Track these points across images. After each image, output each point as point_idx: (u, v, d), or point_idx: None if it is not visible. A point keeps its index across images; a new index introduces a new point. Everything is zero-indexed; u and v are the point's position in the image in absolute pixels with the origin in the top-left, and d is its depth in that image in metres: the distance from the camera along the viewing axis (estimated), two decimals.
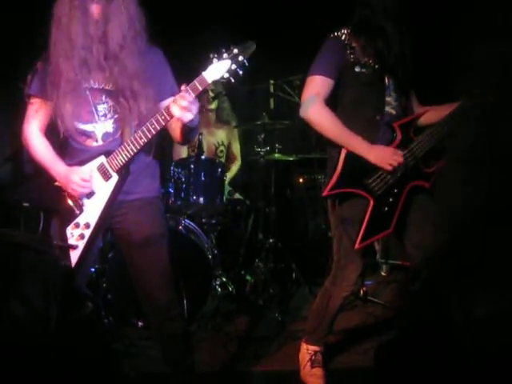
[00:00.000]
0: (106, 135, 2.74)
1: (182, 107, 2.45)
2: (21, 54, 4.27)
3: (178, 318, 2.91)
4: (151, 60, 2.74)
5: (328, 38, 3.03)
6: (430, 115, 3.15)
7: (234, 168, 5.66)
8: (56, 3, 2.60)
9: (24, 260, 2.09)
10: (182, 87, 2.46)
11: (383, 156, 2.92)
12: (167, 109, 2.53)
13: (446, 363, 2.22)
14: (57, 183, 2.75)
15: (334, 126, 2.94)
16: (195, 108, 2.50)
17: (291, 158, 5.27)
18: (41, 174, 2.81)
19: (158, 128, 2.58)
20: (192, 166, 4.50)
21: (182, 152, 5.34)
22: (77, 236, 2.69)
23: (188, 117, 2.49)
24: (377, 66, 2.97)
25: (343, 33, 2.99)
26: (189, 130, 2.70)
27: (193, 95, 2.45)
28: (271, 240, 4.95)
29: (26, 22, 3.95)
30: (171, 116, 2.53)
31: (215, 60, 2.42)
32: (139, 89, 2.65)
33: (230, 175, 5.46)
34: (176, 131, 2.79)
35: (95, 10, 2.58)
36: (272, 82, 5.05)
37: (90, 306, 2.65)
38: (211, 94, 5.16)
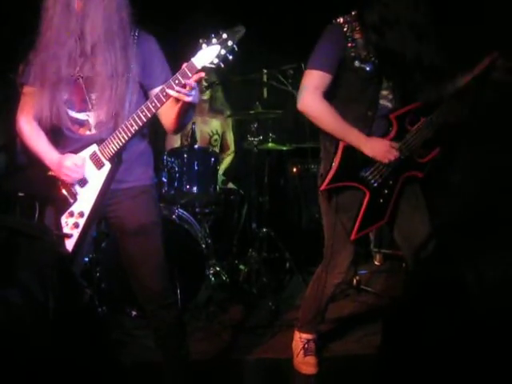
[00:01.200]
0: (99, 124, 2.72)
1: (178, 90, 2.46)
2: (11, 44, 4.25)
3: (173, 307, 2.92)
4: (142, 47, 2.72)
5: (329, 26, 2.98)
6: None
7: (228, 158, 5.65)
8: None
9: (20, 246, 2.09)
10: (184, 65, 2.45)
11: (379, 149, 2.92)
12: (157, 95, 2.52)
13: (457, 326, 2.23)
14: (50, 172, 2.74)
15: (332, 119, 2.93)
16: (195, 89, 2.50)
17: (284, 148, 5.27)
18: (34, 163, 2.80)
19: (149, 115, 2.57)
20: (185, 156, 4.49)
21: (175, 141, 5.33)
22: (71, 225, 2.69)
23: (188, 97, 2.50)
24: (377, 61, 2.92)
25: (345, 20, 2.94)
26: (185, 112, 2.68)
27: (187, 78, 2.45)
28: (265, 229, 4.96)
29: (17, 12, 3.93)
30: (161, 101, 2.52)
31: (204, 45, 2.41)
32: (120, 89, 2.65)
33: (223, 165, 5.46)
34: (169, 118, 2.76)
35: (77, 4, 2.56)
36: (265, 71, 5.03)
37: (87, 293, 2.66)
38: (204, 84, 5.13)
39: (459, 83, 3.03)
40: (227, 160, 5.63)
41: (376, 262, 5.67)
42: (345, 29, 2.92)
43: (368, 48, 2.91)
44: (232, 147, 5.71)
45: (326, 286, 3.21)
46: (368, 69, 2.94)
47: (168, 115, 2.76)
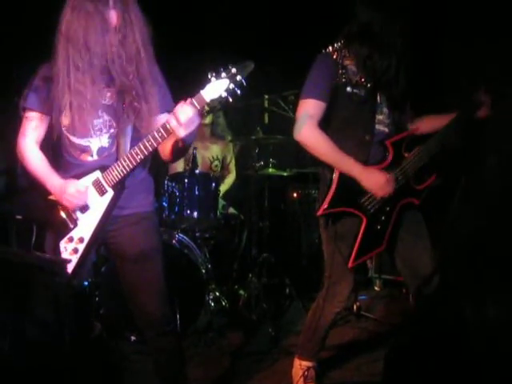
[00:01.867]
0: (101, 150, 2.73)
1: (180, 122, 2.45)
2: (14, 67, 4.29)
3: (172, 334, 2.91)
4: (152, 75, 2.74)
5: (319, 56, 3.02)
6: (426, 125, 3.19)
7: (228, 180, 5.66)
8: (64, 13, 2.59)
9: (37, 281, 2.09)
10: (183, 101, 2.46)
11: (376, 181, 2.92)
12: (164, 125, 2.52)
13: (459, 364, 2.21)
14: (51, 197, 2.74)
15: (327, 148, 2.94)
16: (196, 122, 2.50)
17: (285, 173, 5.28)
18: (35, 187, 2.80)
19: (155, 145, 2.58)
20: (186, 181, 4.50)
21: (179, 166, 5.34)
22: (70, 250, 2.68)
23: (183, 132, 2.49)
24: (369, 85, 2.97)
25: (335, 49, 2.98)
26: (181, 147, 2.68)
27: (195, 109, 2.45)
28: (265, 254, 4.95)
29: (20, 34, 3.97)
30: (168, 132, 2.52)
31: (213, 79, 2.42)
32: (143, 101, 2.67)
33: (223, 188, 5.46)
34: (166, 147, 2.76)
35: (113, 16, 2.60)
36: (267, 97, 5.06)
37: (99, 327, 2.65)
38: (206, 108, 5.16)
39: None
40: (228, 183, 5.64)
41: (376, 288, 5.66)
42: (334, 56, 2.97)
43: (359, 73, 2.96)
44: (233, 171, 5.73)
45: (326, 314, 3.20)
46: (360, 93, 2.97)
47: (164, 147, 2.76)
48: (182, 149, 2.70)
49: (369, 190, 2.92)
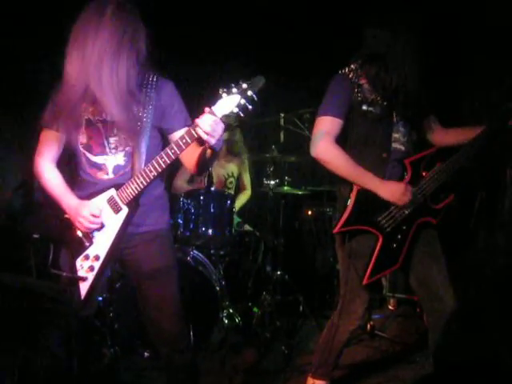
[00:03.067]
0: (116, 168, 2.76)
1: (205, 131, 2.45)
2: (35, 80, 4.34)
3: (186, 351, 2.92)
4: (161, 91, 2.77)
5: (335, 76, 3.06)
6: (451, 138, 3.21)
7: (243, 197, 5.68)
8: (76, 31, 2.60)
9: (46, 310, 2.11)
10: (206, 109, 2.45)
11: (395, 191, 2.93)
12: (189, 131, 2.52)
13: None
14: (66, 215, 2.76)
15: (344, 162, 2.96)
16: (220, 129, 2.49)
17: (300, 192, 5.29)
18: (51, 204, 2.83)
19: (169, 162, 2.59)
20: (201, 198, 4.53)
21: (182, 187, 5.33)
22: (86, 268, 2.70)
23: (212, 140, 2.49)
24: (385, 103, 2.99)
25: (351, 69, 3.02)
26: (209, 157, 2.68)
27: (215, 117, 2.44)
28: (279, 272, 4.94)
29: (44, 49, 4.01)
30: (193, 138, 2.52)
31: (224, 95, 2.43)
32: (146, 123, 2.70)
33: (238, 204, 5.48)
34: (193, 159, 2.78)
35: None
36: (282, 115, 5.09)
37: (107, 354, 2.65)
38: None
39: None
40: (242, 199, 5.65)
41: (390, 307, 5.63)
42: (350, 76, 3.01)
43: (374, 92, 2.99)
44: (249, 188, 5.74)
45: (340, 332, 3.19)
46: (376, 111, 2.99)
47: (190, 159, 2.79)
48: (210, 158, 2.71)
49: (388, 200, 2.93)
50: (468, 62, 5.08)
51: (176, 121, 2.80)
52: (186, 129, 2.58)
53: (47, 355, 2.05)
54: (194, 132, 2.48)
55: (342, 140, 3.03)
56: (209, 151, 2.65)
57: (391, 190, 2.94)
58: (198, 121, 2.46)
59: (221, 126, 2.49)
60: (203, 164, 2.79)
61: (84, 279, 2.67)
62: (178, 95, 2.85)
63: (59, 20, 2.70)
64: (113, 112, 2.61)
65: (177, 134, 2.73)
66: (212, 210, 4.53)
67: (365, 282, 2.97)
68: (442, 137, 3.25)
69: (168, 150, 2.58)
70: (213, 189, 4.67)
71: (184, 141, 2.53)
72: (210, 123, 2.44)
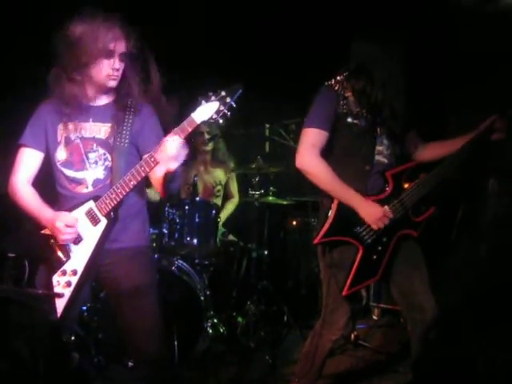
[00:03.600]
0: (96, 181, 2.79)
1: (167, 156, 2.50)
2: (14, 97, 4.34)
3: (167, 367, 2.93)
4: (139, 112, 2.83)
5: (322, 88, 3.08)
6: (431, 152, 3.24)
7: (231, 206, 5.67)
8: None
9: (12, 315, 2.10)
10: (173, 131, 2.52)
11: (372, 214, 2.95)
12: (151, 156, 2.57)
13: None
14: (44, 231, 2.76)
15: (328, 177, 2.98)
16: (182, 154, 2.54)
17: (285, 202, 5.31)
18: (27, 222, 2.82)
19: (148, 170, 2.61)
20: (186, 208, 4.54)
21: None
22: (63, 283, 2.67)
23: (173, 165, 2.54)
24: (369, 116, 3.02)
25: (337, 81, 3.05)
26: (170, 179, 2.70)
27: (180, 138, 2.50)
28: (263, 282, 4.96)
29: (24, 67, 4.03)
30: (156, 162, 2.57)
31: (203, 102, 2.48)
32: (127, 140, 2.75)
33: (225, 213, 5.49)
34: (157, 180, 2.77)
35: (118, 64, 2.69)
36: (268, 125, 5.11)
37: (76, 358, 2.63)
38: (207, 136, 5.21)
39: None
40: (230, 208, 5.64)
41: (374, 317, 5.64)
42: (336, 88, 3.03)
43: (359, 105, 3.01)
44: (236, 195, 5.74)
45: (324, 343, 3.20)
46: (361, 124, 3.02)
47: (156, 176, 2.77)
48: (170, 180, 2.72)
49: (365, 221, 2.96)
50: (453, 77, 5.14)
51: (150, 141, 2.80)
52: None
53: (13, 360, 2.05)
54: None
55: (327, 151, 3.05)
56: (169, 175, 2.66)
57: (369, 212, 2.96)
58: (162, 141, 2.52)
59: (183, 152, 2.55)
60: (165, 185, 2.76)
61: (60, 295, 2.63)
62: (153, 116, 2.90)
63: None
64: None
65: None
66: (197, 220, 4.55)
67: (344, 293, 2.98)
68: (422, 152, 3.28)
69: (147, 158, 2.61)
70: (198, 198, 4.69)
71: (152, 158, 2.58)
72: (173, 147, 2.49)
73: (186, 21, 5.47)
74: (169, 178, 2.68)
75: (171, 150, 2.49)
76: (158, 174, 2.69)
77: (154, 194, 4.94)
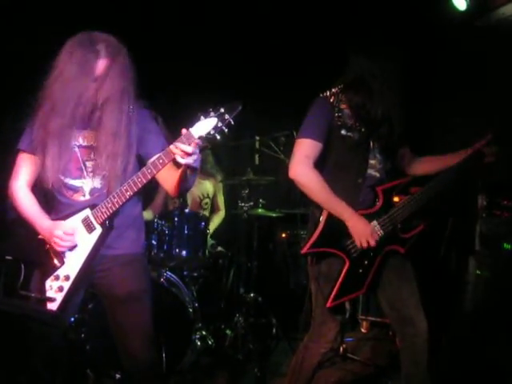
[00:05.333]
0: (93, 190, 2.79)
1: (183, 153, 2.48)
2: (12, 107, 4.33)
3: (157, 376, 2.92)
4: (138, 118, 2.81)
5: (317, 99, 3.08)
6: (424, 167, 3.25)
7: (217, 219, 5.68)
8: (59, 55, 2.67)
9: (33, 332, 2.09)
10: (183, 130, 2.49)
11: (361, 231, 2.94)
12: (155, 162, 2.57)
13: None
14: (40, 236, 2.76)
15: (320, 188, 2.98)
16: (197, 153, 2.54)
17: (274, 214, 5.31)
18: (23, 224, 2.82)
19: (144, 181, 2.62)
20: (176, 219, 4.54)
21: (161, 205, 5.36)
22: (55, 288, 2.68)
23: (190, 160, 2.53)
24: (363, 130, 3.02)
25: (332, 93, 3.05)
26: (186, 176, 2.71)
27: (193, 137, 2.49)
28: (252, 294, 4.95)
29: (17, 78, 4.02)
30: (158, 169, 2.57)
31: (202, 117, 2.48)
32: (119, 149, 2.72)
33: (212, 226, 5.48)
34: (171, 183, 2.80)
35: (100, 65, 2.66)
36: (258, 138, 5.12)
37: (92, 377, 2.62)
38: None
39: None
40: (216, 222, 5.65)
41: (363, 330, 5.64)
42: (331, 100, 3.03)
43: (354, 118, 3.02)
44: (222, 208, 5.75)
45: (312, 355, 3.19)
46: (354, 137, 3.02)
47: (170, 180, 2.81)
48: (191, 177, 2.74)
49: (352, 236, 2.96)
50: (441, 90, 5.18)
51: (153, 145, 2.83)
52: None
53: (33, 378, 2.04)
54: (171, 152, 2.51)
55: (320, 162, 3.05)
56: (189, 170, 2.67)
57: (358, 229, 2.95)
58: (175, 143, 2.50)
59: (197, 151, 2.54)
60: (184, 184, 2.80)
61: (52, 300, 2.65)
62: (153, 121, 2.91)
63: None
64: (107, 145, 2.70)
65: (154, 158, 2.75)
66: (186, 232, 4.55)
67: (328, 304, 2.97)
68: (415, 166, 3.30)
69: (144, 169, 2.61)
70: (187, 210, 4.69)
71: (161, 161, 2.56)
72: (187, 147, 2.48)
73: (179, 41, 5.51)
74: (188, 174, 2.69)
75: (183, 147, 2.48)
76: (173, 172, 2.73)
77: (147, 214, 4.95)
